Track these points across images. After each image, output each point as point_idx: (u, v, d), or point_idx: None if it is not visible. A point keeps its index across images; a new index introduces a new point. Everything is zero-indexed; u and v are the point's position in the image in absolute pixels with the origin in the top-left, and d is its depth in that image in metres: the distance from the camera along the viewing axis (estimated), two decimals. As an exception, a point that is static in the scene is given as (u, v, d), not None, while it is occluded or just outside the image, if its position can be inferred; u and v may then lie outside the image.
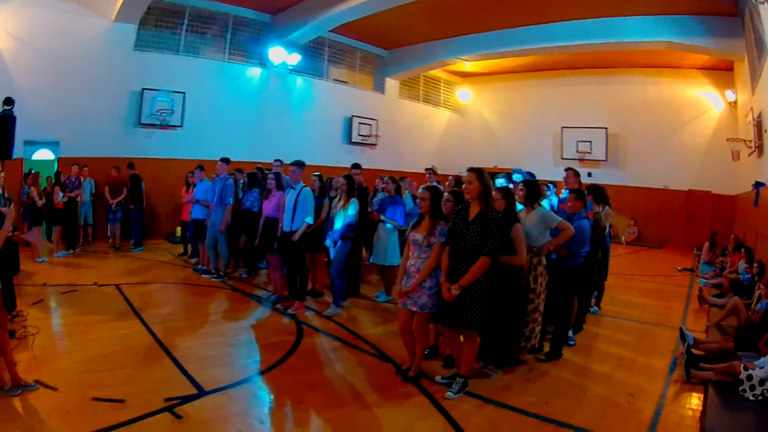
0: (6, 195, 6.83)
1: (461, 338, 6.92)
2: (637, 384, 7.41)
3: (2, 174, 6.38)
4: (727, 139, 20.91)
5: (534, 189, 8.18)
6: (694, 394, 7.06)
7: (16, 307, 6.65)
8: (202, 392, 6.57)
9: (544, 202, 10.78)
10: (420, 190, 7.47)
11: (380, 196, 12.30)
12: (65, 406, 5.96)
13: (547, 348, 8.51)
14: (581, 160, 25.85)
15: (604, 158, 25.94)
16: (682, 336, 8.61)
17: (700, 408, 6.60)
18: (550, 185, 13.41)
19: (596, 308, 11.36)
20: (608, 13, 19.39)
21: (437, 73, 30.33)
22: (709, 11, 17.92)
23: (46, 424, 5.54)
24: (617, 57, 23.90)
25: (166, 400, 6.21)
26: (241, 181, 14.20)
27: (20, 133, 10.96)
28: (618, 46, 20.76)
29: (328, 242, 10.83)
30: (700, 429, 5.97)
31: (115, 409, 5.93)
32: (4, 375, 6.25)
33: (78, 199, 15.91)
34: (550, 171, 21.61)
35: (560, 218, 8.16)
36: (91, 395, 6.20)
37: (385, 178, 12.05)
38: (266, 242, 11.29)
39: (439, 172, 15.07)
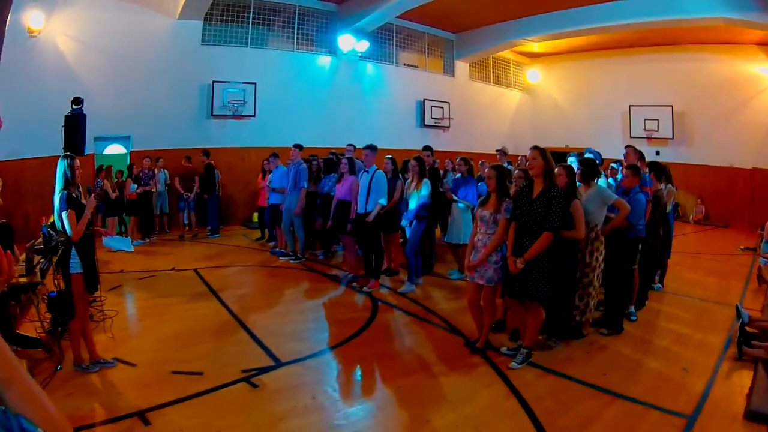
0: (86, 187, 7.22)
1: (527, 310, 7.20)
2: (692, 359, 7.56)
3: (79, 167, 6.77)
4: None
5: (591, 167, 8.40)
6: (745, 372, 7.15)
7: (98, 290, 7.05)
8: (278, 363, 6.95)
9: (611, 180, 11.07)
10: (486, 170, 7.80)
11: (450, 176, 12.63)
12: (144, 380, 6.37)
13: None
14: (649, 138, 25.64)
15: (671, 136, 25.55)
16: (738, 314, 8.61)
17: (749, 385, 6.67)
18: (616, 164, 13.55)
19: (659, 285, 11.43)
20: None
21: (506, 54, 30.20)
22: (763, -14, 17.72)
23: (125, 397, 5.93)
24: (679, 34, 23.59)
25: (243, 371, 6.60)
26: (315, 163, 14.26)
27: (90, 130, 11.38)
28: (676, 23, 20.54)
29: (404, 222, 11.16)
30: (746, 405, 6.06)
31: (193, 381, 6.32)
32: (83, 354, 6.65)
33: (153, 191, 16.38)
34: (618, 150, 21.44)
35: (616, 196, 8.39)
36: (169, 369, 6.59)
37: (458, 159, 12.22)
38: (339, 224, 11.59)
39: (510, 153, 15.24)
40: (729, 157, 23.94)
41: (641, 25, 21.15)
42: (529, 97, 31.82)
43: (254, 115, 20.32)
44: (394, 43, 25.43)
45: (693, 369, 7.19)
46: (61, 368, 6.54)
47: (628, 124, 26.87)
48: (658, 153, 23.41)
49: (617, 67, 27.95)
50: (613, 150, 17.96)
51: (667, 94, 25.58)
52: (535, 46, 27.81)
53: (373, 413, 6.05)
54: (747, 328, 8.03)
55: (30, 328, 7.41)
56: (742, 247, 17.49)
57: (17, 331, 7.22)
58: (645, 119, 26.08)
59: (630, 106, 26.66)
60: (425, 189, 10.76)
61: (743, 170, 23.61)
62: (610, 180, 11.59)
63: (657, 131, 25.70)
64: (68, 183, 6.47)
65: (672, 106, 25.36)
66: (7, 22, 6.69)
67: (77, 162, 6.68)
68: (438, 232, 13.10)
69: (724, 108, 24.32)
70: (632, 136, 25.90)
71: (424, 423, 5.67)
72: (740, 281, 12.92)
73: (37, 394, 1.57)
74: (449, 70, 27.88)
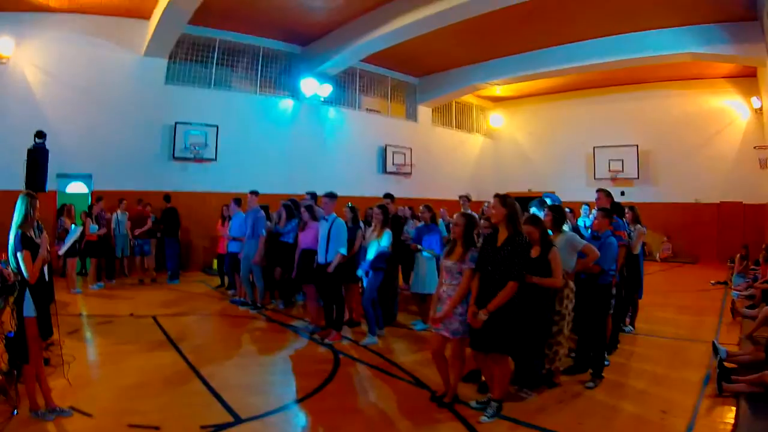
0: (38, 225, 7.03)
1: (493, 362, 6.92)
2: (670, 400, 7.37)
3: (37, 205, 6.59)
4: (755, 147, 21.43)
5: (560, 214, 8.31)
6: (727, 408, 7.00)
7: (53, 335, 6.86)
8: (238, 420, 6.59)
9: (581, 221, 11.00)
10: (455, 217, 7.58)
11: (410, 224, 12.53)
12: (100, 432, 6.05)
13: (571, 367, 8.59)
14: (614, 179, 25.83)
15: (636, 176, 25.83)
16: (715, 350, 8.55)
17: (732, 421, 6.54)
18: (586, 206, 13.46)
19: (631, 327, 11.28)
20: (631, 28, 19.66)
21: (469, 98, 30.39)
22: (729, 18, 18.08)
23: (81, 450, 5.58)
24: (642, 72, 23.98)
25: (202, 427, 6.25)
26: (277, 213, 14.00)
27: (53, 166, 11.19)
28: (642, 61, 20.80)
29: (360, 272, 10.92)
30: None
31: (150, 436, 5.99)
32: (39, 400, 6.38)
33: (103, 233, 15.89)
34: (583, 192, 21.67)
35: (585, 241, 8.30)
36: (126, 422, 6.27)
37: (422, 207, 12.07)
38: (303, 274, 11.33)
39: (473, 199, 15.10)
40: (695, 192, 24.44)
41: (606, 65, 21.47)
42: (492, 141, 32.10)
43: (215, 159, 20.22)
44: (357, 87, 25.53)
45: (672, 410, 6.99)
46: (17, 413, 6.32)
47: (592, 166, 27.11)
48: (623, 193, 23.51)
49: (581, 109, 28.33)
50: (577, 193, 18.01)
51: (631, 133, 26.04)
52: (498, 89, 28.05)
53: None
54: (725, 364, 7.93)
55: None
56: (713, 281, 17.64)
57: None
58: (610, 160, 26.33)
59: (594, 147, 26.93)
60: (386, 239, 10.54)
61: (710, 205, 24.01)
62: (580, 221, 11.62)
63: (622, 171, 25.93)
64: (25, 222, 6.23)
65: (637, 146, 25.68)
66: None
67: (38, 202, 6.46)
68: (401, 281, 12.78)
69: (688, 144, 24.88)
70: (597, 177, 26.26)
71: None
72: (713, 316, 12.96)
73: None
74: (412, 115, 28.09)
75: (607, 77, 25.22)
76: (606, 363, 8.81)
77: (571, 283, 7.97)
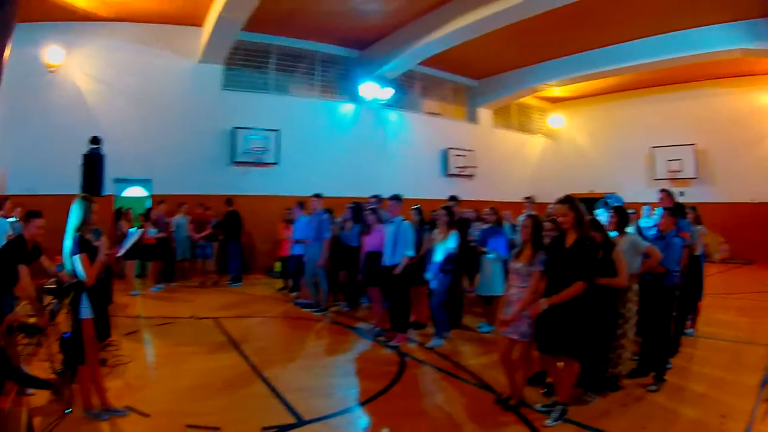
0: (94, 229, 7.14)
1: (560, 364, 6.93)
2: (729, 404, 7.28)
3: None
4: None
5: (624, 216, 8.27)
6: (782, 412, 6.92)
7: (110, 336, 6.98)
8: (301, 421, 6.59)
9: (644, 222, 10.93)
10: (522, 218, 7.57)
11: (474, 227, 12.42)
12: (157, 432, 6.11)
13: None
14: (673, 179, 25.43)
15: (694, 175, 25.44)
16: (773, 353, 8.49)
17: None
18: (647, 207, 13.38)
19: (692, 330, 11.10)
20: (681, 26, 19.55)
21: (528, 100, 30.22)
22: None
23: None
24: (693, 70, 23.60)
25: (264, 429, 6.27)
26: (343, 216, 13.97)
27: (109, 171, 11.37)
28: (693, 59, 20.62)
29: (429, 275, 10.70)
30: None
31: (209, 436, 6.04)
32: (93, 400, 6.46)
33: (162, 237, 16.07)
34: (643, 193, 21.44)
35: (648, 243, 8.22)
36: (184, 423, 6.30)
37: (487, 210, 12.14)
38: (369, 276, 11.34)
39: (536, 201, 15.03)
40: (750, 191, 23.98)
41: (658, 63, 21.40)
42: (553, 142, 31.83)
43: (277, 163, 20.44)
44: (417, 90, 25.52)
45: (731, 414, 6.89)
46: (70, 412, 6.38)
47: (651, 166, 26.88)
48: (682, 194, 23.05)
49: (637, 108, 28.16)
50: (637, 194, 17.83)
51: (687, 132, 25.76)
52: (556, 90, 27.91)
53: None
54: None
55: (42, 368, 7.33)
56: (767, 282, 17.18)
57: (25, 372, 7.00)
58: (668, 159, 26.01)
59: (652, 147, 26.67)
60: (452, 241, 10.43)
61: (765, 204, 23.48)
62: (644, 222, 11.57)
63: (680, 171, 25.59)
64: (82, 225, 6.35)
65: (694, 144, 25.37)
66: (6, 51, 6.55)
67: (95, 206, 6.58)
68: (466, 283, 12.71)
69: (743, 142, 24.58)
70: (656, 178, 25.94)
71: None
72: (772, 319, 12.62)
73: None
74: (472, 117, 28.02)
75: (660, 76, 24.96)
76: (668, 366, 8.69)
77: (635, 286, 7.90)
